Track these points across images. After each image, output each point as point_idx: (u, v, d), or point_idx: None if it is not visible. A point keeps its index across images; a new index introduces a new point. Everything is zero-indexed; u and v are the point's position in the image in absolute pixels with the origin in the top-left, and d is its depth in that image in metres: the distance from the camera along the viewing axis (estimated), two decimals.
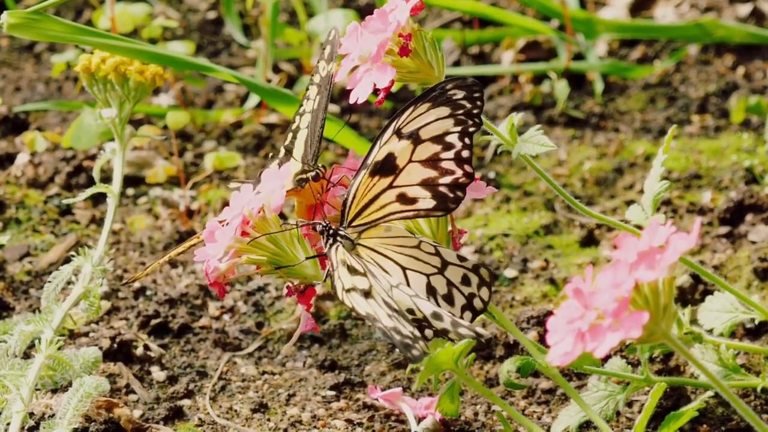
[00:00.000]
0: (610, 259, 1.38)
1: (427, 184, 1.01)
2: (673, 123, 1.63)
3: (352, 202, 1.02)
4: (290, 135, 1.12)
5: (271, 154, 1.18)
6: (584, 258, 1.41)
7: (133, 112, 1.25)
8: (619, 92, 1.70)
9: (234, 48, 1.80)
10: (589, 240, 1.43)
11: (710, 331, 1.16)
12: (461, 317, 1.02)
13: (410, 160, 1.01)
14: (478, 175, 1.55)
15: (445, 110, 1.00)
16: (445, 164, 1.01)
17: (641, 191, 1.48)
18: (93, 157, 1.56)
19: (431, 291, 1.01)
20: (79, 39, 1.24)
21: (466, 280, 1.02)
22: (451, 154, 1.01)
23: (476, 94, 1.00)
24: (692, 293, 1.32)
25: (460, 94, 1.00)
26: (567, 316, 0.85)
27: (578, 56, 1.75)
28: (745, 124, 1.62)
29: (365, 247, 1.02)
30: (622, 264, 0.85)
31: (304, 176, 1.07)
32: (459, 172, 1.01)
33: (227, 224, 1.01)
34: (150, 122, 1.64)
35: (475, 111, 1.00)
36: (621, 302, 0.83)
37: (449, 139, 1.01)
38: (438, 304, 1.01)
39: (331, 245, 1.01)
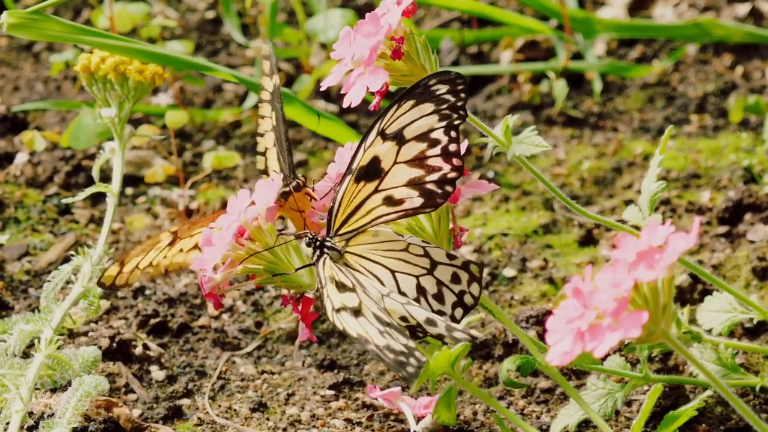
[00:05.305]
0: (609, 258, 1.38)
1: (414, 183, 0.99)
2: (671, 122, 1.63)
3: (338, 209, 1.00)
4: (261, 159, 1.14)
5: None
6: (583, 257, 1.41)
7: (132, 111, 1.25)
8: (617, 92, 1.70)
9: (233, 47, 1.80)
10: (588, 239, 1.43)
11: (709, 331, 1.16)
12: (452, 314, 1.01)
13: (395, 162, 0.99)
14: (476, 174, 1.56)
15: (429, 107, 0.98)
16: (431, 161, 0.99)
17: (640, 191, 1.48)
18: (92, 157, 1.56)
19: (421, 291, 1.00)
20: (78, 39, 1.24)
21: (456, 278, 1.01)
22: (437, 150, 0.99)
23: (459, 87, 0.98)
24: (691, 293, 1.32)
25: (443, 89, 0.98)
26: (566, 316, 0.85)
27: (577, 56, 1.75)
28: (744, 123, 1.62)
29: (353, 254, 1.00)
30: (622, 263, 0.85)
31: (285, 189, 1.07)
32: (446, 167, 0.99)
33: (225, 229, 1.00)
34: (149, 122, 1.64)
35: (459, 104, 0.98)
36: (620, 302, 0.83)
37: (434, 135, 0.99)
38: (429, 304, 1.00)
39: (318, 258, 0.99)
